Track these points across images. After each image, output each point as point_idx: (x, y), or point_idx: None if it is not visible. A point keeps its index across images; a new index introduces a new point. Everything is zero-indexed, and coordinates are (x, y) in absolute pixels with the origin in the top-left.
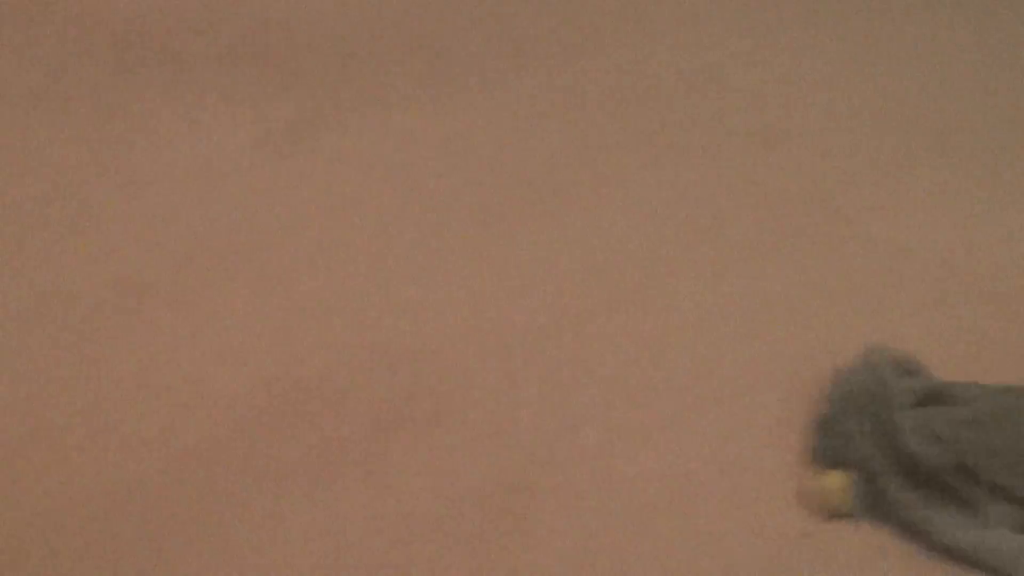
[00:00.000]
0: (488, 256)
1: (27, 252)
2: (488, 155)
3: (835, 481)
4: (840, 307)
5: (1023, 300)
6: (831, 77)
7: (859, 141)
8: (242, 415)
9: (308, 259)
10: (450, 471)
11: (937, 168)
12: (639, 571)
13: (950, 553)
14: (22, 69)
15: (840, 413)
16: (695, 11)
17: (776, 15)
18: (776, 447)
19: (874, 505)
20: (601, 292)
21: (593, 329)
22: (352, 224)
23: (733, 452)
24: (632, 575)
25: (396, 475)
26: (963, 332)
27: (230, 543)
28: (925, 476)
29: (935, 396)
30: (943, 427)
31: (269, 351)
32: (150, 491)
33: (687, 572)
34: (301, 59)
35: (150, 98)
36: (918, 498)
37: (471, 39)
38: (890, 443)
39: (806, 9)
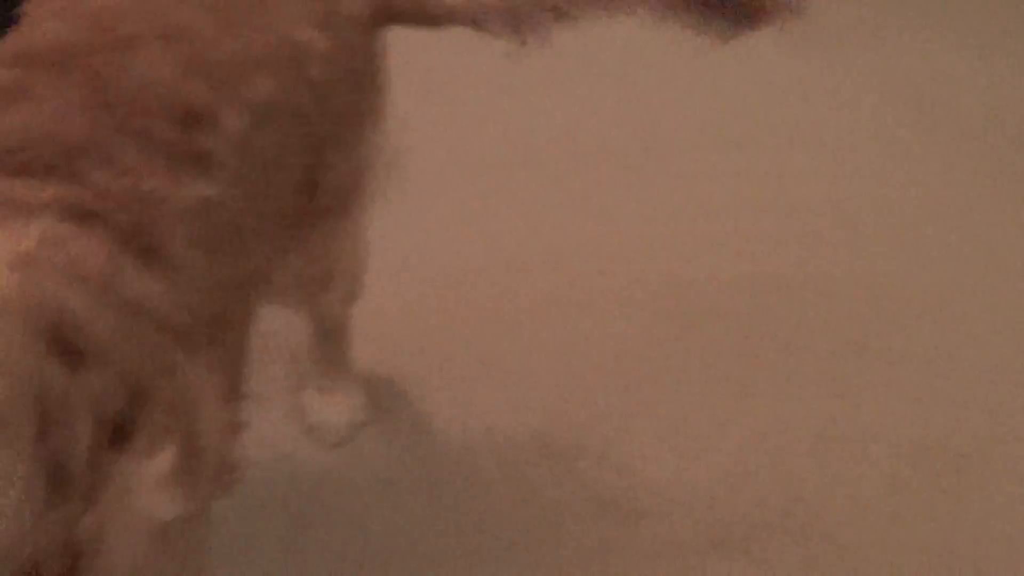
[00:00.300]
0: (952, 207)
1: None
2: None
3: None
4: None
5: None
6: None
7: None
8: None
9: (787, 161)
10: (907, 415)
11: None
12: None
13: None
14: None
15: None
16: None
17: None
18: None
19: None
20: None
21: None
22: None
23: None
24: None
25: (854, 406)
26: None
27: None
28: None
29: None
30: None
31: (743, 243)
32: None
33: None
34: None
35: None
36: None
37: None
38: None
39: None
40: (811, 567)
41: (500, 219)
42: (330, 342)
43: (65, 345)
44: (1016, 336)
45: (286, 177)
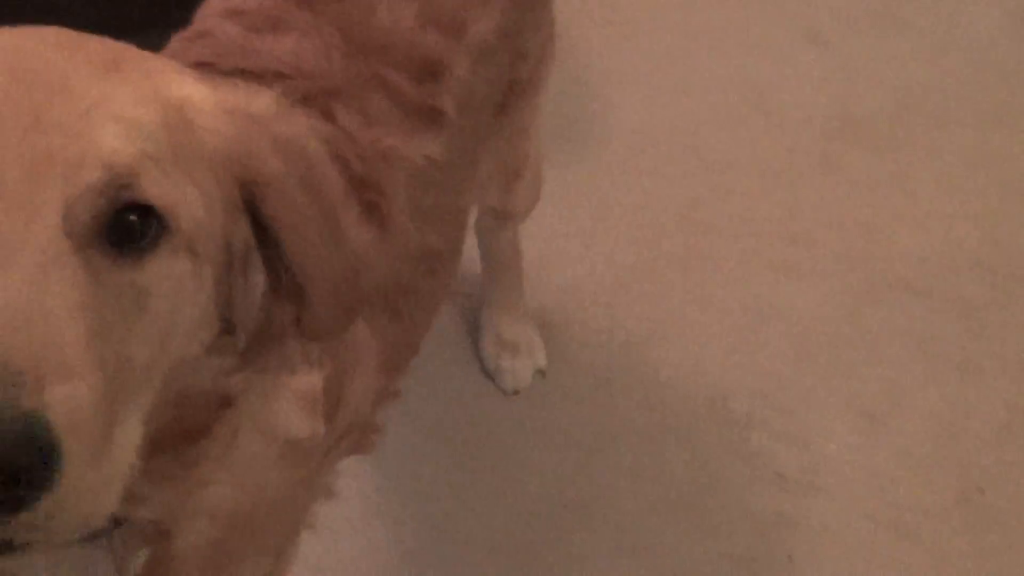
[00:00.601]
0: None
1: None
2: None
3: None
4: None
5: None
6: None
7: None
8: None
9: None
10: None
11: None
12: None
13: None
14: None
15: None
16: None
17: None
18: None
19: None
20: None
21: None
22: None
23: None
24: None
25: None
26: None
27: None
28: None
29: None
30: None
31: (935, 220)
32: None
33: None
34: None
35: None
36: None
37: None
38: None
39: None
40: (985, 559)
41: (693, 182)
42: (505, 277)
43: (255, 209)
44: None
45: (491, 107)
